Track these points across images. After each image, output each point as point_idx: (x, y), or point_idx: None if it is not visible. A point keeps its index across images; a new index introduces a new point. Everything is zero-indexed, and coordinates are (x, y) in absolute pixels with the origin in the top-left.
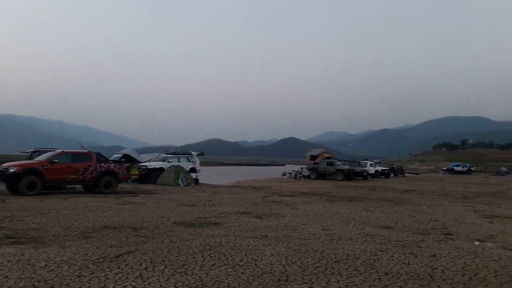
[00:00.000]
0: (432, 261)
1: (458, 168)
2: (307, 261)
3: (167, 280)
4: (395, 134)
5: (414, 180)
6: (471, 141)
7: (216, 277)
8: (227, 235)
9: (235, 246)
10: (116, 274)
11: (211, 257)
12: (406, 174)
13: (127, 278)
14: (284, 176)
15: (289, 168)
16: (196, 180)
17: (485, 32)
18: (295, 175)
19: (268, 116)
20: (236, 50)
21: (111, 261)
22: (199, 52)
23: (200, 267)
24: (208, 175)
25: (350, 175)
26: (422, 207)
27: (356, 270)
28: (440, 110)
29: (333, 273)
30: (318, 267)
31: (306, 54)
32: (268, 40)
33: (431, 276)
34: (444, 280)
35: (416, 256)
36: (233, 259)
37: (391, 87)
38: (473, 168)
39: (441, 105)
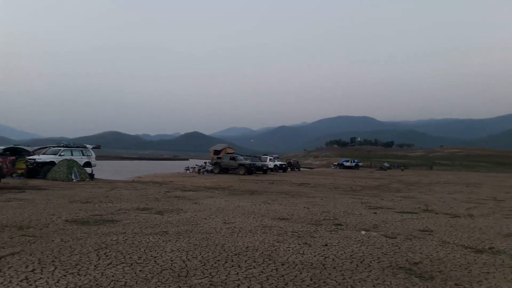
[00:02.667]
0: (324, 250)
1: (348, 164)
2: (208, 255)
3: (57, 282)
4: (292, 131)
5: (308, 174)
6: (359, 139)
7: (112, 276)
8: (125, 233)
9: (133, 243)
10: None
11: (107, 255)
12: (301, 169)
13: (10, 282)
14: (188, 171)
15: (192, 162)
16: (91, 175)
17: (373, 39)
18: (199, 170)
19: (171, 110)
20: (135, 40)
21: None
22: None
23: (95, 266)
24: (105, 170)
25: (251, 170)
26: (316, 199)
27: (255, 262)
28: (332, 109)
29: (233, 266)
30: (218, 260)
31: (211, 50)
32: (170, 30)
33: (323, 265)
34: (334, 268)
35: (310, 246)
36: (131, 257)
37: (287, 86)
38: (360, 164)
39: (333, 105)
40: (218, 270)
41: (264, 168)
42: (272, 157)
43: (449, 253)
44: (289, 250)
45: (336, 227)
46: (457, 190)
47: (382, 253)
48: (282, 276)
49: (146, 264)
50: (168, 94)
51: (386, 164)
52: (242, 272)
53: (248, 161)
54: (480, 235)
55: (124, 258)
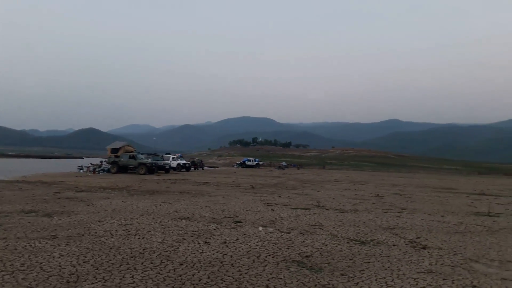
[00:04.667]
0: (223, 247)
1: (249, 163)
2: (101, 259)
3: None
4: (197, 129)
5: (212, 173)
6: (260, 139)
7: None
8: (6, 238)
9: (16, 249)
10: None
11: None
12: (205, 168)
13: None
14: (81, 170)
15: (87, 161)
16: None
17: (267, 43)
18: (94, 169)
19: (64, 103)
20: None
21: None
22: None
23: None
24: None
25: (152, 169)
26: (218, 198)
27: (152, 263)
28: (236, 110)
29: (128, 269)
30: (112, 264)
31: (109, 42)
32: (64, 24)
33: (221, 262)
34: (232, 264)
35: (209, 244)
36: (12, 264)
37: (193, 85)
38: (261, 163)
39: (238, 105)
40: (112, 274)
41: (167, 167)
42: (175, 156)
43: (337, 246)
44: (188, 250)
45: (235, 224)
46: (345, 188)
47: (277, 247)
48: (180, 276)
49: (30, 271)
50: (61, 86)
51: (284, 163)
52: (138, 275)
53: (149, 160)
54: (364, 228)
55: (4, 265)
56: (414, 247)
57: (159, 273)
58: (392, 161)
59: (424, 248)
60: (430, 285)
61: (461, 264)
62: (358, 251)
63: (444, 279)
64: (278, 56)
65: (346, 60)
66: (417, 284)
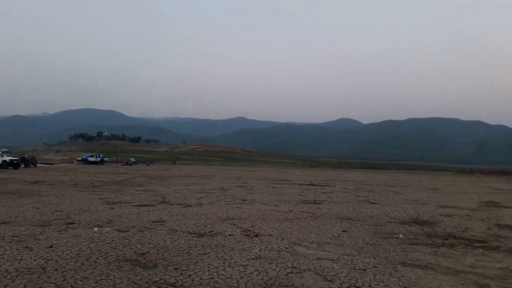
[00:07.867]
0: (47, 252)
1: (92, 159)
2: None
3: None
4: (29, 121)
5: (46, 171)
6: (106, 134)
7: None
8: None
9: None
10: None
11: None
12: (39, 165)
13: None
14: None
15: None
16: None
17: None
18: None
19: None
20: None
21: None
22: None
23: None
24: None
25: None
26: (50, 198)
27: None
28: (78, 101)
29: None
30: None
31: None
32: None
33: (43, 268)
34: (56, 269)
35: (31, 249)
36: None
37: (19, 69)
38: (106, 159)
39: (80, 96)
40: None
41: None
42: (0, 152)
43: (175, 240)
44: (3, 258)
45: (67, 226)
46: (193, 182)
47: (111, 248)
48: None
49: None
50: None
51: (132, 159)
52: None
53: None
54: (205, 221)
55: None
56: (248, 235)
57: None
58: (239, 156)
59: (256, 236)
60: (257, 270)
61: (286, 248)
62: (195, 244)
63: (270, 263)
64: (124, 47)
65: (200, 59)
66: (245, 271)
